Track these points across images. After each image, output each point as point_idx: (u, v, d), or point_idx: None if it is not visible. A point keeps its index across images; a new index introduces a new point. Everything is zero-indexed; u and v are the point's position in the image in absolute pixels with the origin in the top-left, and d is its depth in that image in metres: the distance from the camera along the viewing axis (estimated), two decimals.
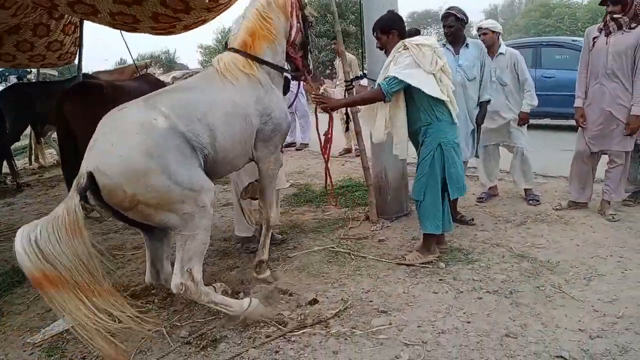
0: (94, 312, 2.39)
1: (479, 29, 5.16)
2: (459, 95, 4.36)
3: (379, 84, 3.66)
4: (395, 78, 3.54)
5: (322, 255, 4.13)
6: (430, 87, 3.51)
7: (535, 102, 5.11)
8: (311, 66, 3.73)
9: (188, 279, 2.71)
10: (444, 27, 4.72)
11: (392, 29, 3.80)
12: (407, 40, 3.62)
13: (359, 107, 4.48)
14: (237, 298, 3.21)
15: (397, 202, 5.06)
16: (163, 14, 4.50)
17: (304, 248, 4.30)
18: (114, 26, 5.02)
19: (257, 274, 3.57)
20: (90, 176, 2.48)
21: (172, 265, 2.91)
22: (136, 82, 6.45)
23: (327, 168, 4.39)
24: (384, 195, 5.05)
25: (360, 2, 4.92)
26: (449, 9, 4.69)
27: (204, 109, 2.82)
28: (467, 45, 4.62)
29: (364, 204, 5.38)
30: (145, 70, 10.51)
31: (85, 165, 2.51)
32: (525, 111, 5.11)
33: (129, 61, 10.16)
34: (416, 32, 4.10)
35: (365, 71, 5.07)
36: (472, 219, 4.75)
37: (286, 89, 3.95)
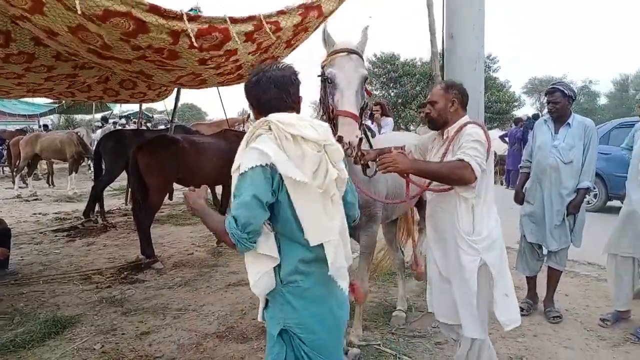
0: None
1: None
2: (549, 179, 4.15)
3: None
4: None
5: (363, 354, 3.58)
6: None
7: None
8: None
9: None
10: (548, 102, 4.30)
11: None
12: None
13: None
14: None
15: None
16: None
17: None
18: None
19: None
20: None
21: None
22: (215, 137, 6.51)
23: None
24: None
25: (442, 63, 4.37)
26: (555, 83, 4.34)
27: None
28: (569, 124, 4.18)
29: None
30: (240, 125, 10.83)
31: None
32: None
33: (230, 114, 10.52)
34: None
35: None
36: (557, 318, 4.22)
37: None
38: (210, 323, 4.25)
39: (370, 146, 3.03)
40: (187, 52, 3.61)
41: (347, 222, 2.08)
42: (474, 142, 2.66)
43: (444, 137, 2.90)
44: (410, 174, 2.78)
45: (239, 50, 3.73)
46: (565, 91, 4.17)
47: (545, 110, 4.33)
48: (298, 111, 2.00)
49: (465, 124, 2.81)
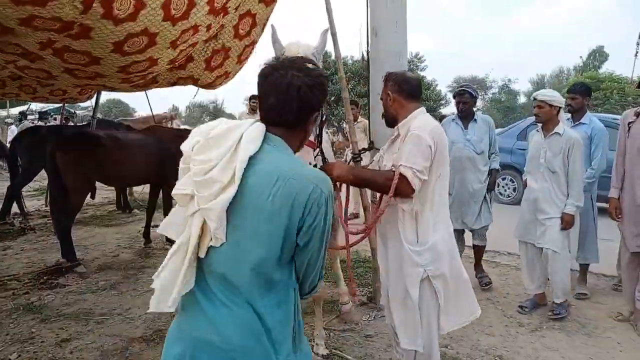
0: None
1: (534, 99, 4.27)
2: (467, 168, 4.75)
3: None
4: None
5: None
6: None
7: (581, 202, 4.11)
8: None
9: None
10: (458, 103, 4.87)
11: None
12: None
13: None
14: None
15: None
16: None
17: None
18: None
19: None
20: None
21: None
22: (141, 134, 6.29)
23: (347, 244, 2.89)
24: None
25: (368, 61, 4.45)
26: (463, 86, 4.98)
27: None
28: (475, 120, 4.83)
29: (367, 283, 4.93)
30: (168, 122, 10.50)
31: None
32: (568, 213, 4.05)
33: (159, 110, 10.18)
34: None
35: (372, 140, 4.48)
36: (489, 284, 4.91)
37: None
38: (136, 327, 4.10)
39: (324, 160, 2.71)
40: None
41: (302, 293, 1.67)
42: (413, 148, 2.45)
43: (395, 134, 2.70)
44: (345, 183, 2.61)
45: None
46: (473, 93, 4.86)
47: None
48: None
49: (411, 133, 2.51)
